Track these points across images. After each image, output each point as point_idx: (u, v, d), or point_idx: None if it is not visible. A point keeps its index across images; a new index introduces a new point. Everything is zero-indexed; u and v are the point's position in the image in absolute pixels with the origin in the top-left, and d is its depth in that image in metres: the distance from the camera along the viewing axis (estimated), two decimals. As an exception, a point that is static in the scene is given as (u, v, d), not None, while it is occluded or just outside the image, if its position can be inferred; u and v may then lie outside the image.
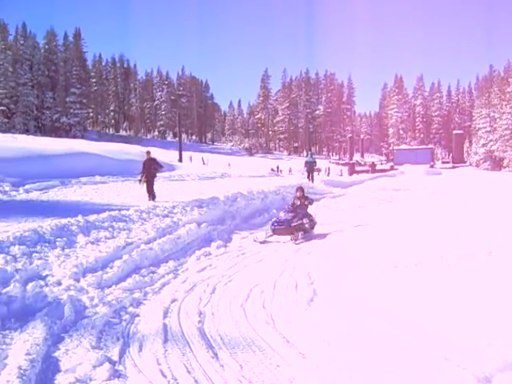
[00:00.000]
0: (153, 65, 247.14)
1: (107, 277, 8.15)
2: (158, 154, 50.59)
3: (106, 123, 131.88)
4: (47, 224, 10.23)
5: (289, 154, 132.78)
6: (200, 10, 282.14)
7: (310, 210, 13.57)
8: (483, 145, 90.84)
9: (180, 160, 57.95)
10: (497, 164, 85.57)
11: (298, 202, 13.14)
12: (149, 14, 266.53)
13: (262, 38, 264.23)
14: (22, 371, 4.63)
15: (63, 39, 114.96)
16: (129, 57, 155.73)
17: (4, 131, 74.03)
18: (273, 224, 12.50)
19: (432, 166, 74.64)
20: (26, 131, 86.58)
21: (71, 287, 7.33)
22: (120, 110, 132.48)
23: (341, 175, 63.34)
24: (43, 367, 4.97)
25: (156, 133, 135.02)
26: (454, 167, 75.19)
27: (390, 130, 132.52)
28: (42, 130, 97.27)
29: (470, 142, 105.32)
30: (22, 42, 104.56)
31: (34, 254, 8.50)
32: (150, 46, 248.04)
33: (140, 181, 17.48)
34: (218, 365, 5.03)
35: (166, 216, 12.89)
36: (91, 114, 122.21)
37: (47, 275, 7.76)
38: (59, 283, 7.47)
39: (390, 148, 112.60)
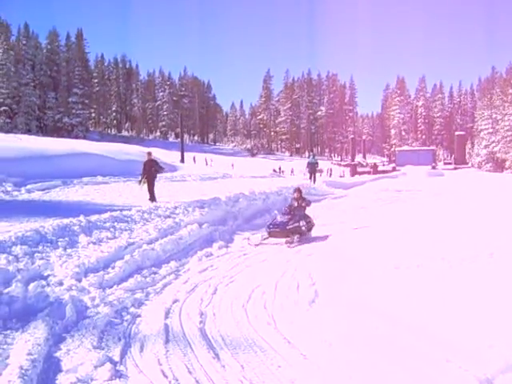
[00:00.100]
0: (155, 65, 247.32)
1: (109, 277, 8.16)
2: (160, 154, 50.73)
3: (107, 124, 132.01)
4: (49, 224, 10.24)
5: (291, 155, 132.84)
6: (202, 10, 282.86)
7: (311, 211, 13.56)
8: (485, 146, 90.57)
9: (182, 161, 57.94)
10: (499, 165, 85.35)
11: (296, 204, 13.03)
12: (151, 15, 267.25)
13: (264, 38, 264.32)
14: (23, 371, 4.63)
15: (65, 39, 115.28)
16: (131, 57, 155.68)
17: (6, 131, 74.11)
18: (268, 226, 12.35)
19: (434, 168, 74.60)
20: (28, 131, 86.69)
21: (73, 287, 7.34)
22: (122, 111, 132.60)
23: (343, 176, 63.30)
24: (45, 367, 4.97)
25: (158, 133, 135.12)
26: (455, 168, 75.15)
27: (392, 131, 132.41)
28: (43, 130, 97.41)
29: (472, 143, 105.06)
30: (24, 42, 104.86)
31: (36, 254, 8.51)
32: (152, 47, 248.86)
33: (140, 182, 17.47)
34: (220, 365, 5.03)
35: (168, 216, 12.89)
36: (93, 115, 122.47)
37: (49, 275, 7.76)
38: (61, 283, 7.47)
39: (392, 149, 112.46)
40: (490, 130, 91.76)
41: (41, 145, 34.62)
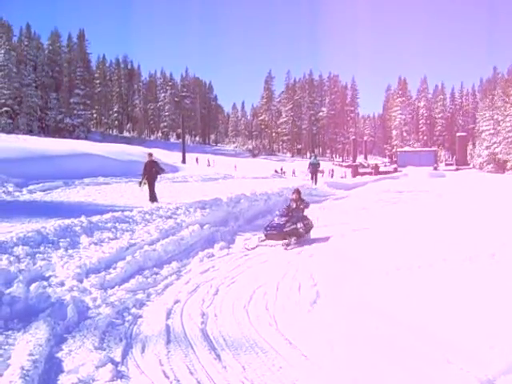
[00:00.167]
0: (156, 66, 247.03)
1: (110, 278, 8.16)
2: (162, 155, 50.77)
3: (109, 124, 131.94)
4: (50, 225, 10.24)
5: (292, 156, 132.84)
6: (204, 11, 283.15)
7: (313, 212, 13.55)
8: (487, 147, 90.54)
9: (183, 161, 57.97)
10: (500, 166, 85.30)
11: (294, 205, 12.87)
12: (153, 15, 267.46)
13: (265, 39, 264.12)
14: (24, 372, 4.63)
15: (67, 40, 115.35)
16: (133, 58, 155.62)
17: (8, 132, 74.34)
18: (265, 229, 12.17)
19: (435, 169, 74.61)
20: (30, 132, 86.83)
21: (74, 288, 7.34)
22: (124, 111, 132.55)
23: (344, 177, 63.29)
24: (46, 368, 4.97)
25: (159, 134, 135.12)
26: (457, 169, 75.14)
27: (394, 132, 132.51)
28: (45, 130, 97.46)
29: (474, 144, 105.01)
30: (26, 42, 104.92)
31: (38, 255, 8.51)
32: (154, 47, 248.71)
33: (140, 183, 17.44)
34: (221, 366, 5.03)
35: (169, 217, 12.90)
36: (95, 115, 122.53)
37: (50, 276, 7.77)
38: (62, 284, 7.48)
39: (394, 150, 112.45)
40: (492, 131, 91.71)
41: (42, 145, 34.70)
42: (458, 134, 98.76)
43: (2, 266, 7.44)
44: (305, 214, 13.06)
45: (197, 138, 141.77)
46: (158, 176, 18.28)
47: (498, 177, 50.92)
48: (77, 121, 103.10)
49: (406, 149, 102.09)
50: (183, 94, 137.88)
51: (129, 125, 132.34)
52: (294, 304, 7.00)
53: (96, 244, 9.82)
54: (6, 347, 5.31)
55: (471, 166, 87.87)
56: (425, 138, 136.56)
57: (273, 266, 9.68)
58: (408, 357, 4.89)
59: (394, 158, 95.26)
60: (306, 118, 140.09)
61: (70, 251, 9.14)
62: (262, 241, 12.01)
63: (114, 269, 8.62)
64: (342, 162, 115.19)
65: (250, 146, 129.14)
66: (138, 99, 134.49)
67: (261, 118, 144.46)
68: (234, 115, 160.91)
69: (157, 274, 8.93)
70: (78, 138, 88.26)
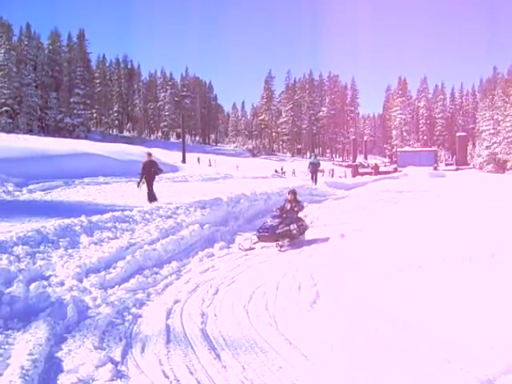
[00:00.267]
0: (156, 65, 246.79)
1: (110, 277, 8.17)
2: (162, 155, 50.78)
3: (109, 124, 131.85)
4: (50, 224, 10.24)
5: (292, 156, 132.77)
6: (204, 10, 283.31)
7: (312, 212, 13.53)
8: (487, 147, 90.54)
9: (183, 161, 57.94)
10: (500, 166, 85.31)
11: (289, 206, 12.69)
12: (152, 15, 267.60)
13: (265, 39, 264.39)
14: (24, 371, 4.63)
15: (67, 40, 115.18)
16: (133, 57, 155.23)
17: (8, 131, 74.19)
18: (258, 231, 11.99)
19: (435, 168, 74.62)
20: (30, 131, 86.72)
21: (74, 287, 7.34)
22: (124, 111, 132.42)
23: (345, 177, 63.28)
24: (46, 367, 4.98)
25: (159, 134, 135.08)
26: (457, 169, 75.17)
27: (394, 132, 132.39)
28: (45, 130, 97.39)
29: (474, 144, 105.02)
30: (26, 42, 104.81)
31: (38, 255, 8.52)
32: (154, 47, 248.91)
33: (139, 184, 17.35)
34: (221, 366, 5.04)
35: (169, 217, 12.89)
36: (95, 115, 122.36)
37: (50, 275, 7.77)
38: (62, 283, 7.48)
39: (394, 150, 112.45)
40: (492, 131, 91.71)
41: (43, 145, 34.68)
42: (457, 134, 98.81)
43: (2, 265, 7.44)
44: (304, 213, 13.01)
45: (197, 138, 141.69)
46: (157, 176, 18.22)
47: (498, 177, 50.92)
48: (77, 120, 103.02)
49: (406, 149, 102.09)
50: (183, 93, 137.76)
51: (129, 124, 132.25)
52: (294, 304, 7.00)
53: (96, 243, 9.82)
54: (6, 347, 5.31)
55: (471, 165, 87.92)
56: (425, 137, 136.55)
57: (272, 265, 9.69)
58: (408, 357, 4.89)
59: (394, 158, 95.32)
60: (306, 117, 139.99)
61: (70, 251, 9.14)
62: (254, 243, 11.86)
63: (114, 268, 8.62)
64: (342, 161, 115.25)
65: (250, 146, 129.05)
66: (137, 99, 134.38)
67: (261, 117, 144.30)
68: (234, 115, 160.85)
69: (157, 273, 8.93)
70: (77, 137, 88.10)
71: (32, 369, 4.73)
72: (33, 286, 6.99)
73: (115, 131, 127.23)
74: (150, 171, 17.28)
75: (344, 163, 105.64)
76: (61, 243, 9.35)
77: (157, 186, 18.00)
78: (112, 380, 4.72)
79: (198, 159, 74.29)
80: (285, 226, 11.93)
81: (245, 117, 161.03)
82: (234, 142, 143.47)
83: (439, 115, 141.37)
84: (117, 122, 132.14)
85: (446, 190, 26.99)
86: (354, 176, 65.79)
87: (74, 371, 4.87)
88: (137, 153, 38.91)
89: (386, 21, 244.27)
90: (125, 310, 6.80)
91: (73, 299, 6.74)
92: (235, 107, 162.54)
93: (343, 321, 6.07)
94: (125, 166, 30.49)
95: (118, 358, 5.23)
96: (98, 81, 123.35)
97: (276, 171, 64.38)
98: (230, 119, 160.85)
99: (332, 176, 64.45)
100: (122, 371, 4.94)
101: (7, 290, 6.67)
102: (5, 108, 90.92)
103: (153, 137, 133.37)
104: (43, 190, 20.19)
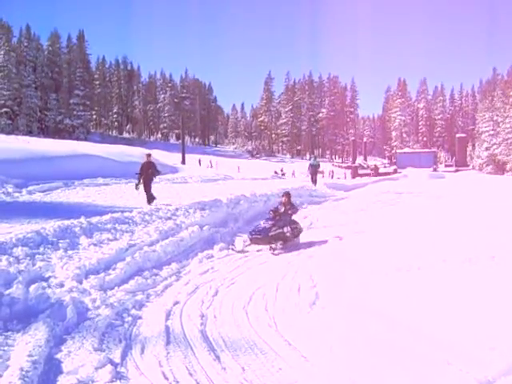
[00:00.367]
0: (156, 67, 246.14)
1: (110, 279, 8.16)
2: (161, 156, 50.74)
3: (109, 125, 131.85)
4: (50, 225, 10.23)
5: (292, 157, 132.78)
6: (203, 12, 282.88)
7: (312, 213, 13.51)
8: (486, 148, 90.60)
9: (183, 162, 57.93)
10: (500, 168, 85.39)
11: (283, 209, 12.43)
12: (152, 16, 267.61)
13: (265, 40, 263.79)
14: (24, 373, 4.63)
15: (67, 41, 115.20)
16: (132, 59, 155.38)
17: (7, 133, 74.24)
18: (250, 233, 11.79)
19: (435, 170, 74.69)
20: (30, 133, 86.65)
21: (74, 289, 7.34)
22: (123, 112, 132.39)
23: (344, 178, 63.29)
24: (45, 369, 4.97)
25: (159, 135, 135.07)
26: (457, 171, 75.18)
27: (393, 134, 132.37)
28: (45, 131, 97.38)
29: (473, 145, 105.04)
30: (25, 43, 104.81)
31: (37, 256, 8.51)
32: (154, 48, 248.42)
33: (137, 186, 17.29)
34: (220, 367, 5.04)
35: (169, 218, 12.88)
36: (94, 116, 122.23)
37: (50, 277, 7.76)
38: (62, 285, 7.47)
39: (393, 151, 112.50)
40: (491, 132, 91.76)
41: (42, 146, 34.67)
42: (457, 136, 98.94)
43: (2, 266, 7.43)
44: (304, 214, 12.95)
45: (196, 139, 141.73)
46: (157, 177, 18.17)
47: (498, 178, 50.96)
48: (76, 122, 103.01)
49: (406, 150, 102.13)
50: (183, 95, 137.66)
51: (128, 126, 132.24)
52: (294, 305, 7.00)
53: (95, 245, 9.81)
54: (6, 348, 5.31)
55: (471, 167, 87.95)
56: (424, 139, 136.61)
57: (272, 267, 9.69)
58: (407, 358, 4.89)
59: (394, 159, 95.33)
60: (305, 119, 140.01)
61: (70, 252, 9.13)
62: (247, 245, 11.68)
63: (114, 270, 8.61)
64: (342, 163, 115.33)
65: (250, 147, 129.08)
66: (137, 100, 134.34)
67: (260, 119, 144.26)
68: (233, 116, 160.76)
69: (156, 275, 8.93)
70: (77, 138, 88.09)
71: (31, 370, 4.73)
72: (32, 287, 6.98)
73: (115, 132, 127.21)
74: (147, 172, 17.24)
75: (343, 164, 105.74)
76: (60, 244, 9.34)
77: (156, 187, 18.00)
78: (112, 381, 4.72)
79: (200, 161, 74.32)
80: (278, 228, 11.73)
81: (244, 118, 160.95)
82: (233, 144, 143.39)
83: (439, 116, 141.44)
84: (116, 123, 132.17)
85: (445, 192, 27.01)
86: (353, 177, 65.85)
87: (73, 373, 4.87)
88: (136, 154, 38.88)
89: (386, 22, 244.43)
90: (124, 312, 6.80)
91: (72, 300, 6.74)
92: (235, 108, 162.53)
93: (343, 322, 6.07)
94: (124, 168, 30.44)
95: (117, 360, 5.23)
96: (97, 82, 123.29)
97: (276, 172, 64.32)
98: (230, 120, 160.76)
99: (332, 177, 64.40)
100: (122, 373, 4.94)
101: (7, 292, 6.66)
102: (4, 109, 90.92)
103: (152, 138, 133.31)
104: (43, 192, 20.17)
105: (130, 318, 6.56)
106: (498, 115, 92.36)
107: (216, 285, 8.27)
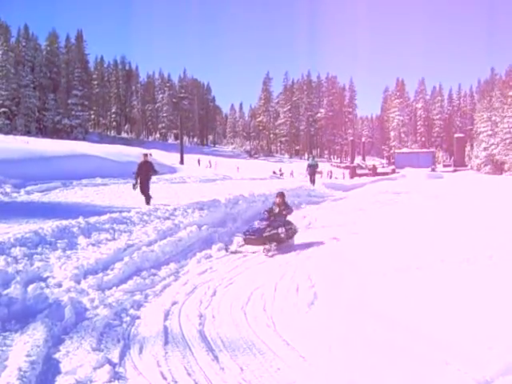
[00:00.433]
0: (154, 67, 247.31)
1: (108, 279, 8.15)
2: (160, 156, 50.71)
3: (107, 125, 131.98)
4: (48, 226, 10.23)
5: (290, 157, 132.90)
6: (202, 12, 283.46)
7: (310, 213, 13.49)
8: (484, 148, 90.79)
9: (181, 162, 57.94)
10: (498, 168, 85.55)
11: (277, 209, 12.17)
12: (150, 16, 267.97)
13: (263, 40, 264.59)
14: (22, 373, 4.63)
15: (65, 41, 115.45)
16: (131, 59, 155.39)
17: (6, 133, 74.21)
18: (244, 233, 11.65)
19: (433, 170, 74.76)
20: (28, 133, 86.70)
21: (72, 289, 7.33)
22: (122, 112, 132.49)
23: (343, 178, 63.31)
24: (43, 369, 4.96)
25: (157, 135, 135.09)
26: (455, 171, 75.25)
27: (392, 134, 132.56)
28: (43, 131, 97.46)
29: (472, 145, 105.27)
30: (24, 43, 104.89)
31: (35, 256, 8.50)
32: (152, 48, 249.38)
33: (134, 186, 17.26)
34: (219, 367, 5.03)
35: (167, 218, 12.88)
36: (93, 116, 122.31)
37: (48, 277, 7.75)
38: (60, 285, 7.47)
39: (392, 151, 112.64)
40: (490, 133, 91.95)
41: (40, 146, 34.65)
42: (455, 136, 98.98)
43: (0, 267, 7.43)
44: (303, 214, 12.91)
45: (195, 139, 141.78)
46: (155, 177, 18.14)
47: (496, 178, 50.99)
48: (75, 122, 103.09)
49: (404, 150, 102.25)
50: (181, 95, 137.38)
51: (127, 126, 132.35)
52: (292, 305, 6.99)
53: (94, 245, 9.80)
54: (4, 348, 5.30)
55: (469, 167, 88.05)
56: (423, 139, 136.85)
57: (270, 267, 9.67)
58: (406, 358, 4.89)
59: (392, 160, 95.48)
60: (303, 119, 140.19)
61: (68, 252, 9.13)
62: (241, 246, 11.57)
63: (112, 270, 8.60)
64: (340, 163, 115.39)
65: (248, 147, 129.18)
66: (135, 100, 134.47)
67: (259, 119, 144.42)
68: (231, 116, 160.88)
69: (154, 275, 8.91)
70: (75, 138, 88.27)
71: (30, 370, 4.73)
72: (30, 287, 6.97)
73: (113, 132, 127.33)
74: (145, 172, 17.21)
75: (342, 164, 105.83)
76: (58, 244, 9.34)
77: (155, 187, 17.99)
78: (110, 382, 4.71)
79: (199, 161, 74.40)
80: (272, 229, 11.49)
81: (243, 118, 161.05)
82: (231, 144, 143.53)
83: (437, 116, 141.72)
84: (115, 123, 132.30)
85: (443, 192, 27.02)
86: (351, 177, 65.86)
87: (71, 373, 4.87)
88: (135, 154, 38.82)
89: (384, 22, 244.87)
90: (122, 312, 6.79)
91: (70, 301, 6.73)
92: (233, 108, 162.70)
93: (341, 322, 6.07)
94: (123, 168, 30.41)
95: (115, 360, 5.22)
96: (95, 82, 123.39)
97: (274, 172, 64.40)
98: (228, 120, 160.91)
99: (330, 177, 64.44)
100: (120, 373, 4.93)
101: (5, 292, 6.66)
102: (2, 109, 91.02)
103: (151, 138, 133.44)
104: (41, 192, 20.16)
105: (128, 318, 6.55)
106: (496, 115, 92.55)
107: (214, 285, 8.26)
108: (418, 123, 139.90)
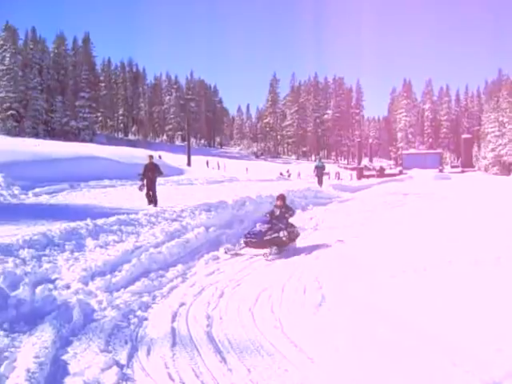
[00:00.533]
0: (161, 69, 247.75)
1: (116, 280, 8.16)
2: (167, 158, 50.76)
3: (114, 127, 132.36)
4: (56, 227, 10.26)
5: (297, 159, 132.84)
6: (209, 14, 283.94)
7: (318, 214, 13.47)
8: (492, 149, 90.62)
9: (188, 164, 58.00)
10: (506, 168, 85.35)
11: (278, 212, 11.97)
12: (157, 18, 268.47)
13: (270, 42, 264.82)
14: (30, 374, 4.64)
15: (72, 43, 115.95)
16: (138, 61, 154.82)
17: (14, 135, 74.52)
18: (245, 236, 11.46)
19: (441, 171, 74.60)
20: (36, 135, 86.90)
21: (80, 291, 7.35)
22: (129, 114, 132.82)
23: (350, 179, 63.24)
24: (52, 370, 4.97)
25: (164, 137, 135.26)
26: (462, 172, 75.07)
27: (399, 135, 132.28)
28: (51, 133, 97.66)
29: (479, 146, 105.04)
30: (31, 46, 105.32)
31: (43, 258, 8.53)
32: (159, 50, 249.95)
33: (141, 188, 17.32)
34: (226, 369, 5.03)
35: (175, 220, 12.90)
36: (100, 118, 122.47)
37: (56, 278, 7.77)
38: (68, 287, 7.49)
39: (399, 152, 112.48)
40: (497, 133, 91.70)
41: (49, 148, 34.73)
42: (463, 136, 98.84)
43: (8, 268, 7.44)
44: (310, 215, 12.87)
45: (202, 141, 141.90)
46: (163, 179, 18.17)
47: (504, 179, 50.81)
48: (82, 124, 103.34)
49: (411, 151, 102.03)
50: (188, 96, 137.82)
51: (134, 127, 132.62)
52: (300, 306, 6.99)
53: (101, 247, 9.82)
54: (12, 350, 5.32)
55: (476, 168, 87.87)
56: (430, 140, 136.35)
57: (278, 268, 9.68)
58: (413, 359, 4.88)
59: (399, 161, 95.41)
60: (311, 120, 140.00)
61: (76, 254, 9.15)
62: (241, 248, 11.42)
63: (120, 271, 8.61)
64: (347, 164, 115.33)
65: (255, 149, 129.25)
66: (143, 102, 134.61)
67: (266, 120, 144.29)
68: (239, 118, 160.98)
69: (162, 276, 8.92)
70: (83, 140, 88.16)
71: (38, 371, 4.74)
72: (39, 289, 6.99)
73: (120, 134, 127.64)
74: (151, 174, 17.26)
75: (349, 166, 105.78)
76: (66, 246, 9.36)
77: (162, 189, 18.00)
78: (118, 383, 4.72)
79: (207, 163, 74.46)
80: (274, 232, 11.33)
81: (250, 120, 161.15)
82: (239, 145, 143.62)
83: (444, 117, 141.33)
84: (122, 125, 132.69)
85: (451, 193, 26.97)
86: (359, 178, 65.84)
87: (79, 374, 4.88)
88: (142, 156, 38.90)
89: (391, 23, 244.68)
90: (130, 313, 6.80)
91: (78, 302, 6.75)
92: (240, 110, 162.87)
93: (349, 323, 6.06)
94: (130, 169, 30.46)
95: (123, 361, 5.23)
96: (103, 84, 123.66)
97: (281, 174, 64.34)
98: (235, 122, 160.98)
99: (338, 179, 64.38)
100: (128, 374, 4.93)
101: (13, 293, 6.68)
102: (11, 112, 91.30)
103: (158, 140, 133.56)
104: (49, 194, 20.23)
105: (136, 320, 6.56)
106: (503, 116, 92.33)
107: (222, 286, 8.26)
108: (426, 124, 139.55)
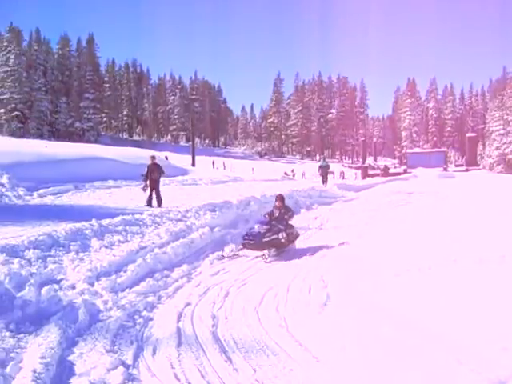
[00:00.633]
0: (165, 69, 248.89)
1: (121, 281, 8.18)
2: (171, 158, 50.78)
3: (119, 128, 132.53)
4: (61, 228, 10.27)
5: (301, 158, 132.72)
6: (213, 14, 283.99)
7: (322, 213, 13.46)
8: (497, 148, 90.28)
9: (193, 164, 58.05)
10: (510, 167, 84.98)
11: (277, 213, 11.82)
12: (161, 19, 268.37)
13: (274, 41, 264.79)
14: (36, 374, 4.66)
15: (77, 44, 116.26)
16: (142, 61, 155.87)
17: (19, 136, 74.67)
18: (243, 237, 11.20)
19: (445, 169, 74.47)
20: (40, 136, 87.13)
21: (85, 291, 7.36)
22: (133, 115, 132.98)
23: (355, 179, 63.15)
24: (58, 371, 4.99)
25: (169, 137, 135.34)
26: (467, 170, 74.93)
27: (403, 134, 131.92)
28: (55, 135, 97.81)
29: (484, 144, 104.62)
30: (35, 47, 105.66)
31: (49, 258, 8.54)
32: (163, 51, 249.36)
33: (144, 188, 17.37)
34: (232, 368, 5.04)
35: (180, 220, 12.91)
36: (104, 119, 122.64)
37: (61, 279, 7.79)
38: (73, 287, 7.50)
39: (403, 151, 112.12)
40: (502, 132, 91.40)
41: (52, 149, 34.77)
42: (467, 135, 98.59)
43: (14, 269, 7.46)
44: (314, 215, 12.84)
45: (206, 141, 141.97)
46: (167, 179, 18.20)
47: (509, 177, 50.66)
48: (87, 125, 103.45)
49: (416, 150, 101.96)
50: (192, 96, 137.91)
51: (138, 128, 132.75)
52: (305, 306, 6.99)
53: (107, 247, 9.84)
54: (18, 350, 5.33)
55: (481, 166, 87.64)
56: (434, 138, 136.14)
57: (283, 267, 9.68)
58: (419, 358, 4.87)
59: (404, 160, 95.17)
60: (315, 119, 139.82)
61: (81, 254, 9.16)
62: (239, 250, 11.22)
63: (125, 272, 8.63)
64: (352, 163, 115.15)
65: (259, 149, 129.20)
66: (147, 102, 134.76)
67: (270, 120, 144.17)
68: (243, 118, 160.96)
69: (167, 276, 8.93)
70: (87, 141, 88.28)
71: (44, 372, 4.76)
72: (44, 289, 7.01)
73: (125, 135, 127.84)
74: (154, 175, 17.30)
75: (354, 165, 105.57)
76: (72, 247, 9.38)
77: (167, 189, 18.01)
78: (124, 383, 4.73)
79: (213, 163, 74.45)
80: (273, 234, 11.11)
81: (254, 119, 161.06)
82: (243, 145, 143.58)
83: (449, 116, 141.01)
84: (126, 125, 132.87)
85: (455, 192, 26.91)
86: (363, 178, 65.69)
87: (85, 374, 4.89)
88: (147, 156, 38.93)
89: (395, 22, 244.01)
90: (136, 313, 6.81)
91: (84, 303, 6.76)
92: (244, 110, 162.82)
93: (354, 322, 6.06)
94: (135, 170, 30.48)
95: (129, 361, 5.25)
96: (107, 85, 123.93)
97: (286, 173, 64.26)
98: (239, 122, 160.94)
99: (342, 178, 64.30)
100: (134, 374, 4.95)
101: (19, 294, 6.70)
102: (15, 113, 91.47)
103: (162, 140, 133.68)
104: (54, 194, 20.25)
105: (141, 320, 6.57)
106: (508, 114, 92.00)
107: (227, 286, 8.27)
108: (430, 123, 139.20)
